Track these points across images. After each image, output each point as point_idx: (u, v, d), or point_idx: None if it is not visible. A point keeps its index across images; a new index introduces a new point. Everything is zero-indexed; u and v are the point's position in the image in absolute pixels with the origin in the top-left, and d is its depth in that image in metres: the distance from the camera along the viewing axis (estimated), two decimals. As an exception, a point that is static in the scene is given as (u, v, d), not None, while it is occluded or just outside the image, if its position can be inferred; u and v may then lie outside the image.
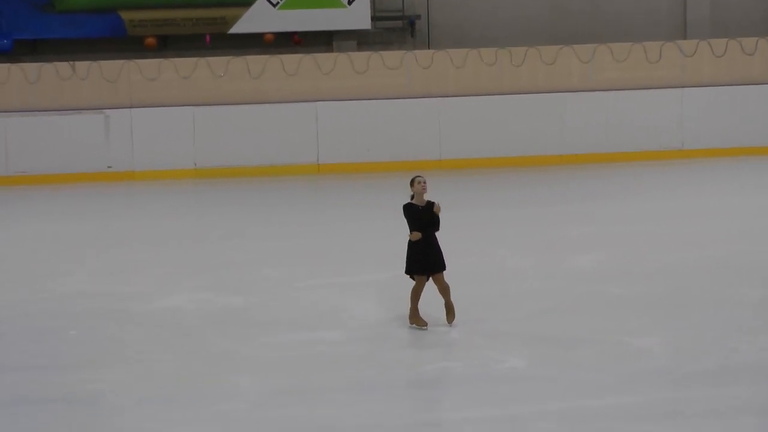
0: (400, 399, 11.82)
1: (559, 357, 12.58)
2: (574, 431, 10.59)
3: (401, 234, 13.69)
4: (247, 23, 28.38)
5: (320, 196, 24.53)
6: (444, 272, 13.44)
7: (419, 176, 13.50)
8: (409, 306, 13.59)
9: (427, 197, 13.43)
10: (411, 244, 13.39)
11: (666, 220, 19.71)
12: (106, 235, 20.32)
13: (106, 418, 11.40)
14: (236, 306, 15.06)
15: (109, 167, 26.22)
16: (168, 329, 14.16)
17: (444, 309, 13.55)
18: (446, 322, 13.56)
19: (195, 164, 26.35)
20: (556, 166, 26.27)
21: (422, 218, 13.34)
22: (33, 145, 26.09)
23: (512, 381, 11.96)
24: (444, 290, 13.50)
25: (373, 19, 28.92)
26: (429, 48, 28.71)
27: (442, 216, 13.40)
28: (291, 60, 26.62)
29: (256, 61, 26.60)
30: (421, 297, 13.52)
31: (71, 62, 26.43)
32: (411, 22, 29.42)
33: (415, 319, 13.57)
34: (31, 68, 26.32)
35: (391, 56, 26.79)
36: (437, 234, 13.42)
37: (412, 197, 13.44)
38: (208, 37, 28.44)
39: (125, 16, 28.44)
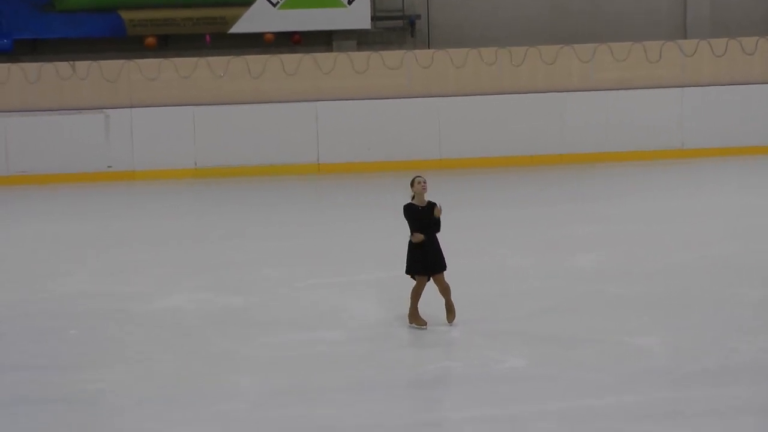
0: (401, 399, 11.82)
1: (559, 357, 12.58)
2: (574, 431, 10.59)
3: (401, 234, 13.69)
4: (247, 23, 28.38)
5: (320, 196, 24.52)
6: (444, 272, 13.45)
7: (419, 176, 13.50)
8: (409, 305, 13.59)
9: (427, 197, 13.43)
10: (411, 244, 13.39)
11: (666, 220, 19.71)
12: (106, 235, 20.32)
13: (106, 418, 11.40)
14: (236, 306, 15.06)
15: (109, 167, 26.22)
16: (168, 329, 14.15)
17: (444, 309, 13.55)
18: (446, 321, 13.56)
19: (195, 164, 26.34)
20: (556, 165, 26.26)
21: (423, 218, 13.33)
22: (33, 145, 26.09)
23: (512, 381, 11.96)
24: (444, 290, 13.49)
25: (373, 18, 28.92)
26: (429, 48, 28.71)
27: (442, 216, 13.40)
28: (291, 60, 26.63)
29: (256, 60, 26.60)
30: (421, 297, 13.51)
31: (71, 62, 26.43)
32: (411, 22, 29.42)
33: (415, 318, 13.57)
34: (31, 68, 26.33)
35: (391, 56, 26.79)
36: (437, 234, 13.43)
37: (413, 198, 13.45)
38: (208, 37, 28.43)
39: (125, 15, 28.44)
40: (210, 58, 26.62)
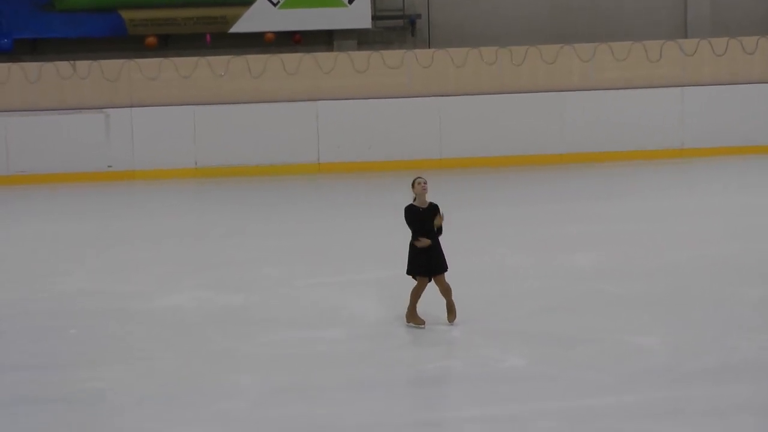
0: (401, 398, 11.82)
1: (559, 356, 12.58)
2: (574, 430, 10.59)
3: (401, 233, 13.68)
4: (247, 22, 28.38)
5: (320, 195, 24.52)
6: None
7: (420, 177, 13.49)
8: (408, 305, 13.59)
9: (428, 198, 13.43)
10: (413, 245, 13.38)
11: (666, 219, 19.71)
12: (107, 234, 20.32)
13: (107, 417, 11.40)
14: (237, 304, 15.06)
15: (109, 167, 26.21)
16: (168, 328, 14.16)
17: (445, 309, 13.55)
18: (447, 321, 13.56)
19: (195, 163, 26.35)
20: (557, 165, 26.26)
21: (424, 219, 13.33)
22: (33, 145, 26.08)
23: (512, 380, 11.96)
24: (446, 291, 13.49)
25: (374, 18, 28.93)
26: (429, 47, 28.72)
27: (444, 221, 13.38)
28: (291, 59, 26.63)
29: (256, 60, 26.60)
30: (420, 297, 13.51)
31: (72, 61, 26.43)
32: (411, 21, 29.43)
33: (413, 318, 13.57)
34: (31, 68, 26.33)
35: (392, 55, 26.79)
36: (438, 236, 13.45)
37: (415, 199, 13.44)
38: (208, 37, 28.44)
39: (126, 15, 28.45)
40: (210, 58, 26.62)
